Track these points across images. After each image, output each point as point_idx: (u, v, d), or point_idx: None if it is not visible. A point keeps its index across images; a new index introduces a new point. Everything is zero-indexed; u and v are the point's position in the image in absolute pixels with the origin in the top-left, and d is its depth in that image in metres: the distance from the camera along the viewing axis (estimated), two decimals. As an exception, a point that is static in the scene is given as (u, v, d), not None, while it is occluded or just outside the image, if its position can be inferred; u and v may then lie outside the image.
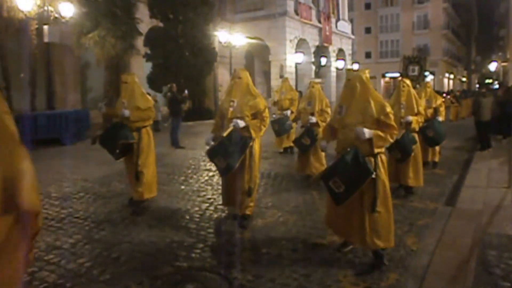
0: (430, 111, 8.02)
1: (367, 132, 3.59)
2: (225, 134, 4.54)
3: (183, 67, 18.65)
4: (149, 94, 16.81)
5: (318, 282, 3.41)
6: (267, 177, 7.56)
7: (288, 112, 9.72)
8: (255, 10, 27.61)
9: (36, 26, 14.24)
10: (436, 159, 8.41)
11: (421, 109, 6.37)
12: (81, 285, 3.40)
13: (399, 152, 6.01)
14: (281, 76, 26.05)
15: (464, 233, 4.44)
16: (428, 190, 6.52)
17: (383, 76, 44.84)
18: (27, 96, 14.39)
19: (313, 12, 30.16)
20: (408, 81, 6.40)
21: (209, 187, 6.85)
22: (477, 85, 48.79)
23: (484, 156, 9.43)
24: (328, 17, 31.59)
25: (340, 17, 34.91)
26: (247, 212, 4.85)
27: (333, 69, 33.14)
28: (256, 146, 4.78)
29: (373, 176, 3.56)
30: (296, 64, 27.66)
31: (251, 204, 4.89)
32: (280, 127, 9.27)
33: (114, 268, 3.73)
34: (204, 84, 20.77)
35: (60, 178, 7.61)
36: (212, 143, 4.80)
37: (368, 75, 3.85)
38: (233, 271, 3.64)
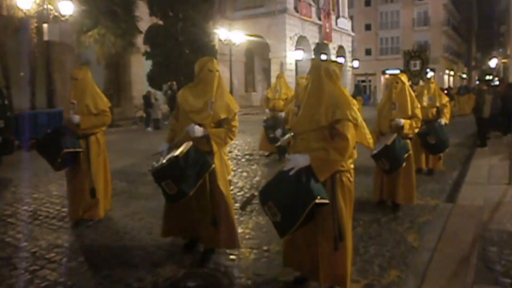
0: (432, 111, 7.20)
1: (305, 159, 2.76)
2: (178, 151, 3.37)
3: (183, 65, 18.63)
4: (150, 92, 16.98)
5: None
6: (268, 174, 7.56)
7: (283, 114, 8.15)
8: (255, 8, 27.62)
9: (36, 24, 14.25)
10: (442, 167, 7.50)
11: (418, 111, 5.17)
12: (82, 283, 3.41)
13: (387, 161, 4.84)
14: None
15: (465, 230, 4.44)
16: (429, 187, 6.52)
17: (383, 72, 44.74)
18: (27, 95, 14.43)
19: (313, 9, 30.16)
20: (403, 77, 5.27)
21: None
22: (477, 82, 48.78)
23: (485, 153, 9.42)
24: (328, 14, 31.57)
25: (340, 14, 34.90)
26: (229, 246, 3.78)
27: (333, 66, 33.13)
28: (218, 162, 3.63)
29: (321, 201, 2.66)
30: (296, 61, 27.66)
31: (230, 234, 3.69)
32: (274, 136, 7.83)
33: (115, 265, 3.73)
34: (204, 81, 20.75)
35: (61, 177, 7.55)
36: (166, 157, 3.49)
37: (333, 68, 2.94)
38: (235, 269, 3.64)
